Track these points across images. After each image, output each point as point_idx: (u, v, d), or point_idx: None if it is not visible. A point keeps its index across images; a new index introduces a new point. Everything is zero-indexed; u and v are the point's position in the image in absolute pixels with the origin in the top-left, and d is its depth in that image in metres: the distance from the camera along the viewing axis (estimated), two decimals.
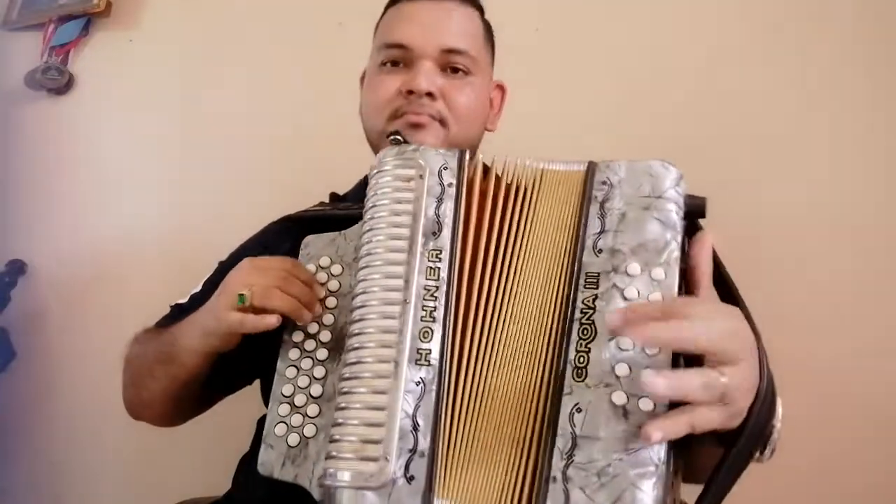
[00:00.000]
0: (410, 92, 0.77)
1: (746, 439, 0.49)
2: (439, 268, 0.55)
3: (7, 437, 1.48)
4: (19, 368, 1.49)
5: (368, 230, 0.58)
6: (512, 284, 0.55)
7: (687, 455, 0.52)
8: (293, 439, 0.58)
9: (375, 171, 0.61)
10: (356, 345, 0.55)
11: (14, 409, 1.48)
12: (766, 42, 1.15)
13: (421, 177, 0.58)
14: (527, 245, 0.56)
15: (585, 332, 0.50)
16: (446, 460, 0.50)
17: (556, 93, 1.26)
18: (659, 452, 0.46)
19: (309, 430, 0.58)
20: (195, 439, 1.27)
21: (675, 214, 0.53)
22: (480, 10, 0.86)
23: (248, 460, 0.79)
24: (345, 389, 0.54)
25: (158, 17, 1.65)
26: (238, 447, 0.82)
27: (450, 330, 0.54)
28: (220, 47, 1.55)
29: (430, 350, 0.53)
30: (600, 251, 0.53)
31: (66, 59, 1.67)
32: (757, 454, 0.52)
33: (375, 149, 0.83)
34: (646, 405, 0.47)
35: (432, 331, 0.53)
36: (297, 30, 1.48)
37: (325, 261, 0.65)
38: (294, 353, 0.61)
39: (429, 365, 0.53)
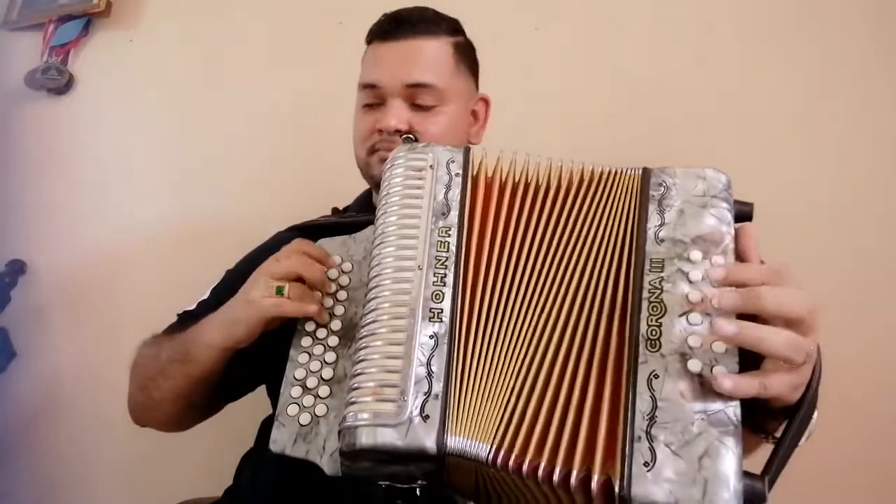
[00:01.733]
0: (382, 130, 0.84)
1: (805, 412, 0.53)
2: (449, 242, 0.61)
3: (7, 438, 1.47)
4: (19, 368, 1.48)
5: (383, 213, 0.63)
6: (550, 264, 0.59)
7: None
8: (305, 418, 0.62)
9: (389, 164, 0.66)
10: (373, 307, 0.59)
11: (14, 409, 1.48)
12: (766, 42, 1.15)
13: (431, 167, 0.64)
14: (576, 233, 0.60)
15: (655, 308, 0.54)
16: (458, 402, 0.54)
17: (555, 92, 1.27)
18: (735, 411, 0.49)
19: (320, 410, 0.62)
20: (196, 440, 1.26)
21: (728, 213, 0.58)
22: (454, 32, 0.90)
23: (252, 456, 0.80)
24: (363, 345, 0.57)
25: (158, 17, 1.65)
26: (239, 449, 0.82)
27: (459, 293, 0.58)
28: (220, 47, 1.56)
29: (441, 309, 0.58)
30: (662, 240, 0.57)
31: (66, 59, 1.67)
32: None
33: (363, 173, 0.89)
34: (720, 371, 0.50)
35: (443, 293, 0.58)
36: (297, 29, 1.48)
37: (336, 259, 0.70)
38: (306, 341, 0.65)
39: (441, 322, 0.57)
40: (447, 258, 0.60)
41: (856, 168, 1.06)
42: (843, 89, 1.09)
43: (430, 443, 0.52)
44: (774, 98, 1.13)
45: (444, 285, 0.58)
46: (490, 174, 0.65)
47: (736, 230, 0.57)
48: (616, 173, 0.63)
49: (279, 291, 0.64)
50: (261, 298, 0.65)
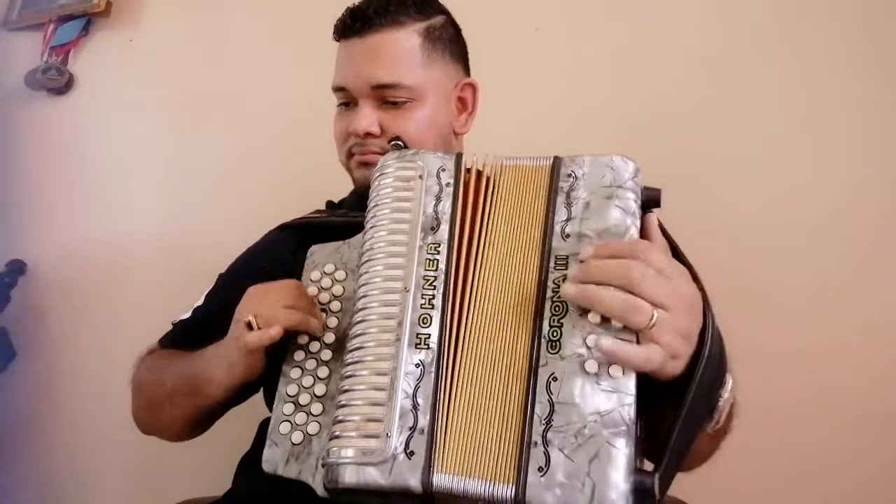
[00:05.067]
0: (352, 134, 0.81)
1: (693, 398, 0.52)
2: (438, 260, 0.58)
3: (7, 437, 1.47)
4: (19, 368, 1.49)
5: (371, 227, 0.61)
6: (488, 272, 0.58)
7: (651, 425, 0.55)
8: (297, 437, 0.60)
9: (378, 173, 0.63)
10: (359, 331, 0.57)
11: (14, 409, 1.48)
12: (768, 41, 1.15)
13: (420, 177, 0.61)
14: (497, 235, 0.59)
15: (557, 308, 0.54)
16: (445, 436, 0.52)
17: (556, 92, 1.26)
18: (630, 411, 0.49)
19: (312, 428, 0.60)
20: (196, 440, 1.26)
21: (633, 203, 0.57)
22: (424, 16, 0.83)
23: (250, 460, 0.79)
24: (348, 373, 0.56)
25: (158, 17, 1.65)
26: (239, 448, 0.82)
27: (448, 316, 0.56)
28: (220, 47, 1.55)
29: (429, 335, 0.55)
30: (568, 236, 0.56)
31: (66, 59, 1.67)
32: (707, 424, 0.57)
33: (350, 174, 0.87)
34: (616, 372, 0.50)
35: (431, 317, 0.56)
36: (296, 30, 1.48)
37: (329, 267, 0.68)
38: (299, 355, 0.64)
39: (428, 348, 0.55)
40: (435, 278, 0.57)
41: (858, 168, 1.06)
42: (845, 89, 1.09)
43: (414, 481, 0.50)
44: (775, 98, 1.13)
45: (433, 308, 0.56)
46: (480, 181, 0.62)
47: (641, 219, 0.57)
48: (527, 167, 0.61)
49: (248, 327, 0.62)
50: (239, 337, 0.63)
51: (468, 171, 0.62)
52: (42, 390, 1.49)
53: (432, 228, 0.59)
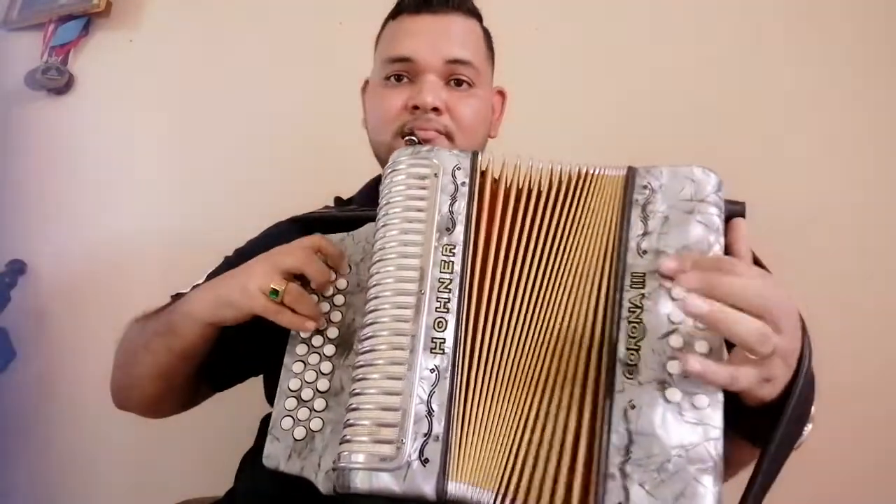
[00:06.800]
0: (416, 107, 0.78)
1: (784, 430, 0.49)
2: (453, 261, 0.56)
3: (7, 437, 1.47)
4: (19, 368, 1.48)
5: (383, 226, 0.59)
6: (541, 282, 0.56)
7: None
8: (299, 432, 0.59)
9: (390, 170, 0.61)
10: (370, 334, 0.55)
11: (14, 409, 1.48)
12: (768, 41, 1.15)
13: (435, 175, 0.59)
14: (560, 245, 0.56)
15: (634, 330, 0.50)
16: (460, 444, 0.51)
17: (556, 93, 1.26)
18: (717, 445, 0.46)
19: (315, 424, 0.59)
20: (196, 439, 1.27)
21: (717, 218, 0.53)
22: (480, 19, 0.87)
23: (252, 457, 0.79)
24: (359, 376, 0.54)
25: (158, 17, 1.65)
26: (239, 447, 0.82)
27: (463, 320, 0.54)
28: (220, 47, 1.55)
29: (444, 339, 0.54)
30: (644, 252, 0.53)
31: (66, 59, 1.67)
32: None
33: (382, 162, 0.83)
34: (701, 402, 0.47)
35: (446, 321, 0.54)
36: (297, 30, 1.48)
37: None
38: (301, 349, 0.62)
39: (443, 353, 0.53)
40: (451, 280, 0.55)
41: (859, 166, 1.06)
42: (847, 89, 1.09)
43: (429, 489, 0.49)
44: (776, 98, 1.13)
45: (448, 311, 0.54)
46: (497, 182, 0.59)
47: (725, 227, 0.54)
48: (599, 175, 0.58)
49: (274, 294, 0.60)
50: (257, 292, 0.61)
51: (484, 169, 0.60)
52: (42, 390, 1.49)
53: (447, 229, 0.57)
